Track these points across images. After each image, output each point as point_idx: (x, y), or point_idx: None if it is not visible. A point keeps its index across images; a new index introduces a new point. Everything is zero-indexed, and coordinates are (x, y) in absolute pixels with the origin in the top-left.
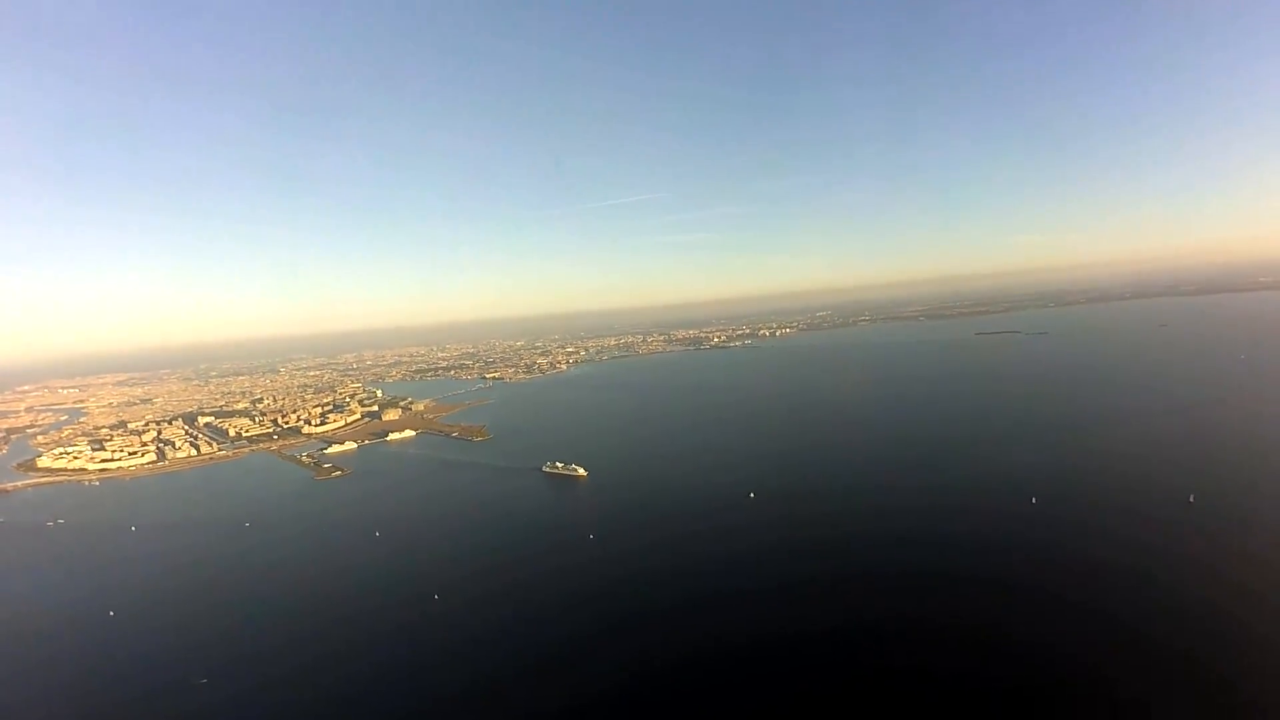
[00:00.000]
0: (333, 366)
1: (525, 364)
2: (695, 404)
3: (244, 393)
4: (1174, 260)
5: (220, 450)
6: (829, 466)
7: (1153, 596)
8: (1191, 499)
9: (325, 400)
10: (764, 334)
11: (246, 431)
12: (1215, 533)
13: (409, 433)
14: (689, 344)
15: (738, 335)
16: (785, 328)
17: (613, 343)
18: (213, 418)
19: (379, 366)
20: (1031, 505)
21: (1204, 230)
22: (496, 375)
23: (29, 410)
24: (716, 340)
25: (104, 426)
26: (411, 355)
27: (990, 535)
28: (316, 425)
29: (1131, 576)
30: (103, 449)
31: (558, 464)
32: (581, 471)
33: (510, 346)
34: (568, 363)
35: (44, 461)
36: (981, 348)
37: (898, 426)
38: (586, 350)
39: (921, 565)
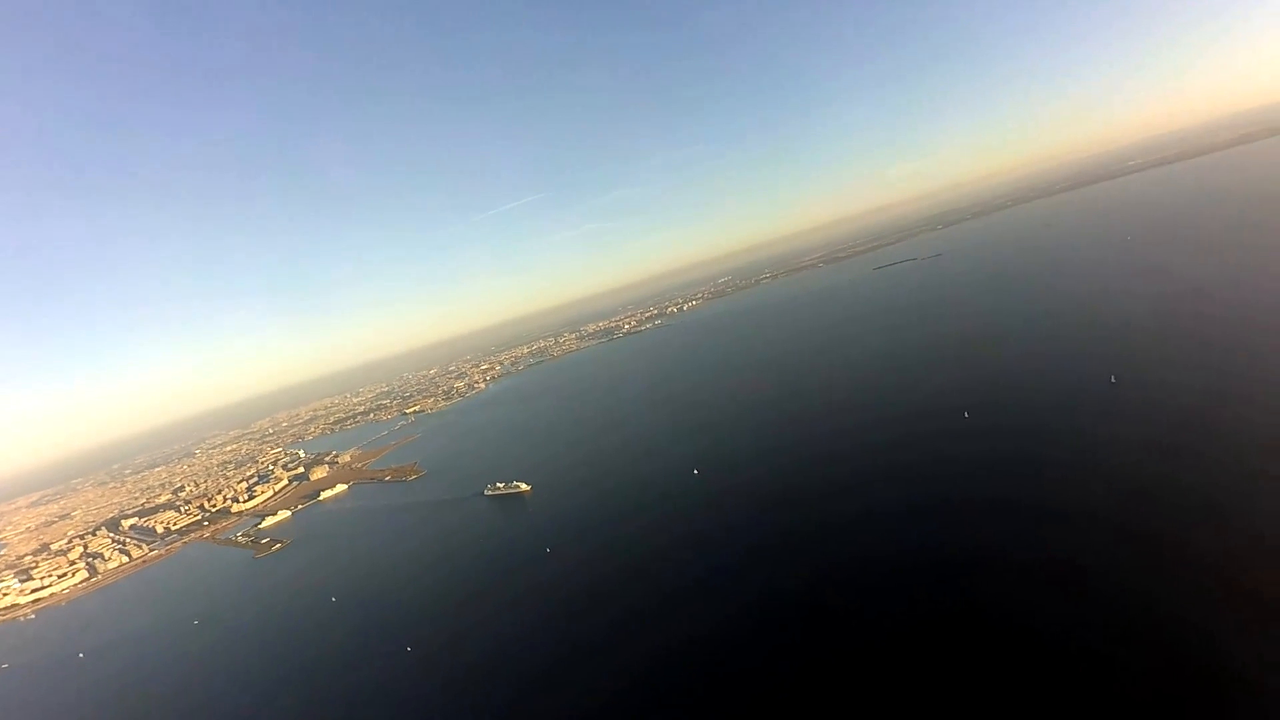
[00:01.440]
0: (249, 436)
1: (443, 391)
2: (621, 395)
3: (164, 484)
4: (1047, 162)
5: (152, 551)
6: (762, 426)
7: (1091, 475)
8: (1113, 379)
9: (249, 473)
10: (672, 310)
11: (175, 525)
12: (1139, 403)
13: (341, 487)
14: (602, 336)
15: (647, 318)
16: (691, 300)
17: (526, 351)
18: (137, 518)
19: (296, 426)
20: (965, 419)
21: (1068, 129)
22: (417, 408)
23: None
24: (628, 327)
25: (26, 554)
26: (327, 407)
27: (932, 454)
28: (245, 501)
29: (1067, 467)
30: (30, 578)
31: (499, 485)
32: (525, 487)
33: (424, 376)
34: (485, 380)
35: None
36: (882, 281)
37: (819, 374)
38: (502, 364)
39: (877, 501)
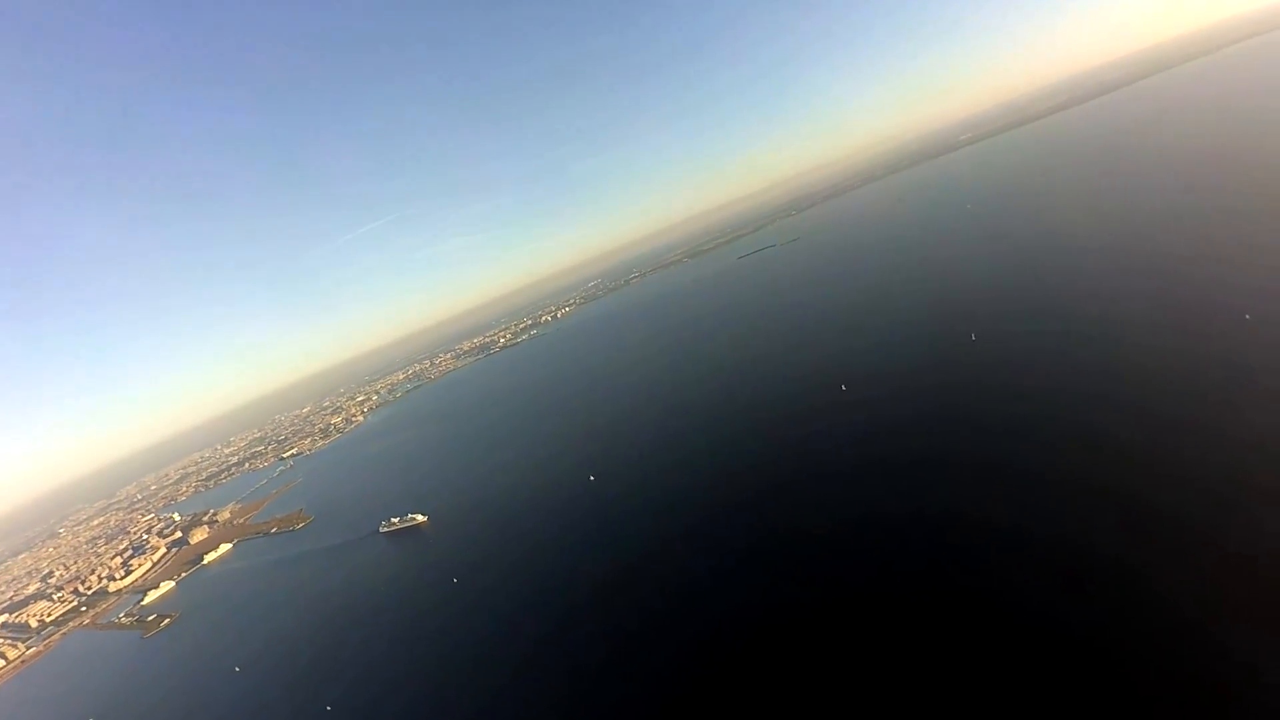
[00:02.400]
0: (116, 506)
1: (320, 429)
2: (505, 410)
3: (30, 572)
4: (890, 142)
5: (30, 648)
6: (650, 423)
7: (960, 425)
8: (973, 337)
9: (122, 547)
10: (546, 319)
11: (50, 615)
12: (998, 356)
13: (225, 547)
14: (479, 352)
15: (523, 329)
16: (564, 307)
17: (403, 376)
18: (6, 614)
19: (166, 488)
20: (842, 392)
21: (905, 109)
22: (294, 451)
23: None
24: (504, 340)
25: None
26: (196, 463)
27: (818, 428)
28: (123, 578)
29: (938, 419)
30: None
31: (394, 520)
32: (421, 518)
33: (298, 416)
34: (364, 412)
35: None
36: (746, 269)
37: (699, 365)
38: (379, 393)
39: (776, 482)
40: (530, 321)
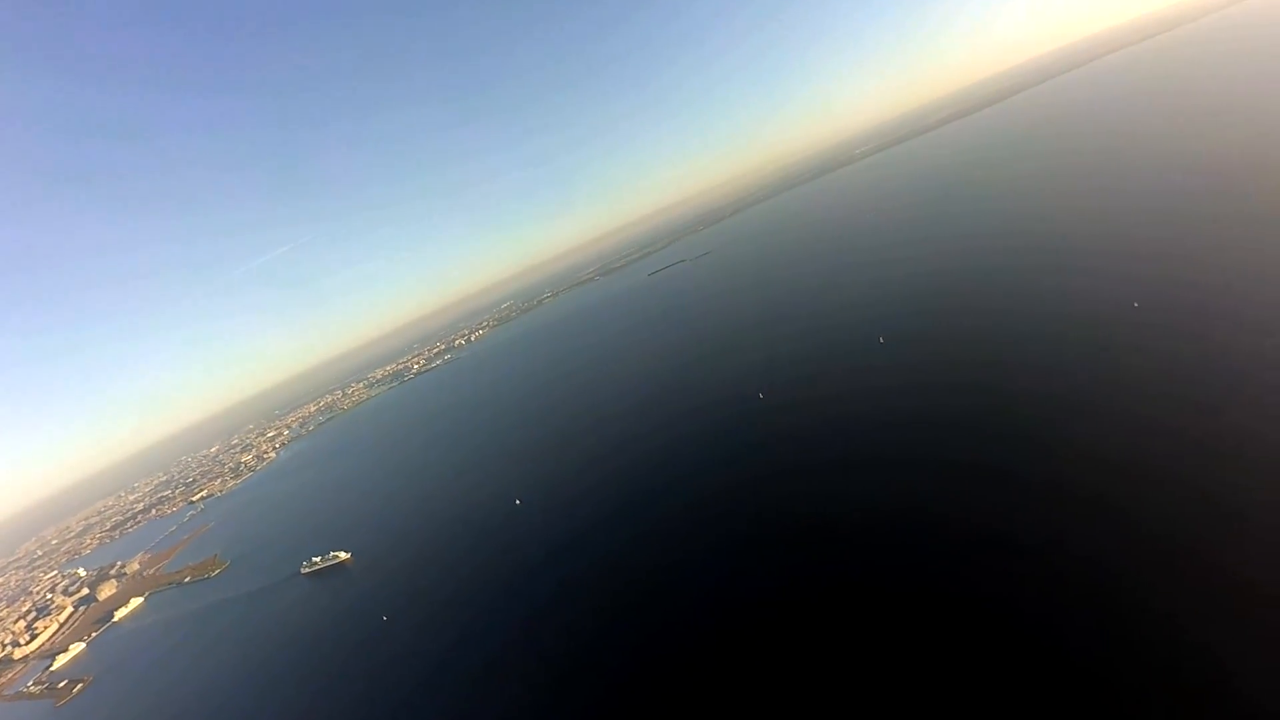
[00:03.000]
0: (15, 565)
1: (230, 469)
2: (425, 437)
3: None
4: (794, 156)
5: None
6: (574, 440)
7: (871, 426)
8: (881, 339)
9: (24, 609)
10: (460, 343)
11: None
12: (903, 358)
13: (137, 602)
14: (393, 380)
15: (436, 353)
16: (478, 330)
17: (314, 408)
18: None
19: (68, 541)
20: (760, 400)
21: (807, 125)
22: (204, 494)
23: None
24: (419, 366)
25: None
26: (100, 512)
27: (728, 430)
28: (28, 643)
29: (855, 419)
30: None
31: (315, 559)
32: (344, 555)
33: (206, 456)
34: (275, 449)
35: None
36: (658, 284)
37: (618, 381)
38: (290, 427)
39: (703, 490)
40: (444, 345)
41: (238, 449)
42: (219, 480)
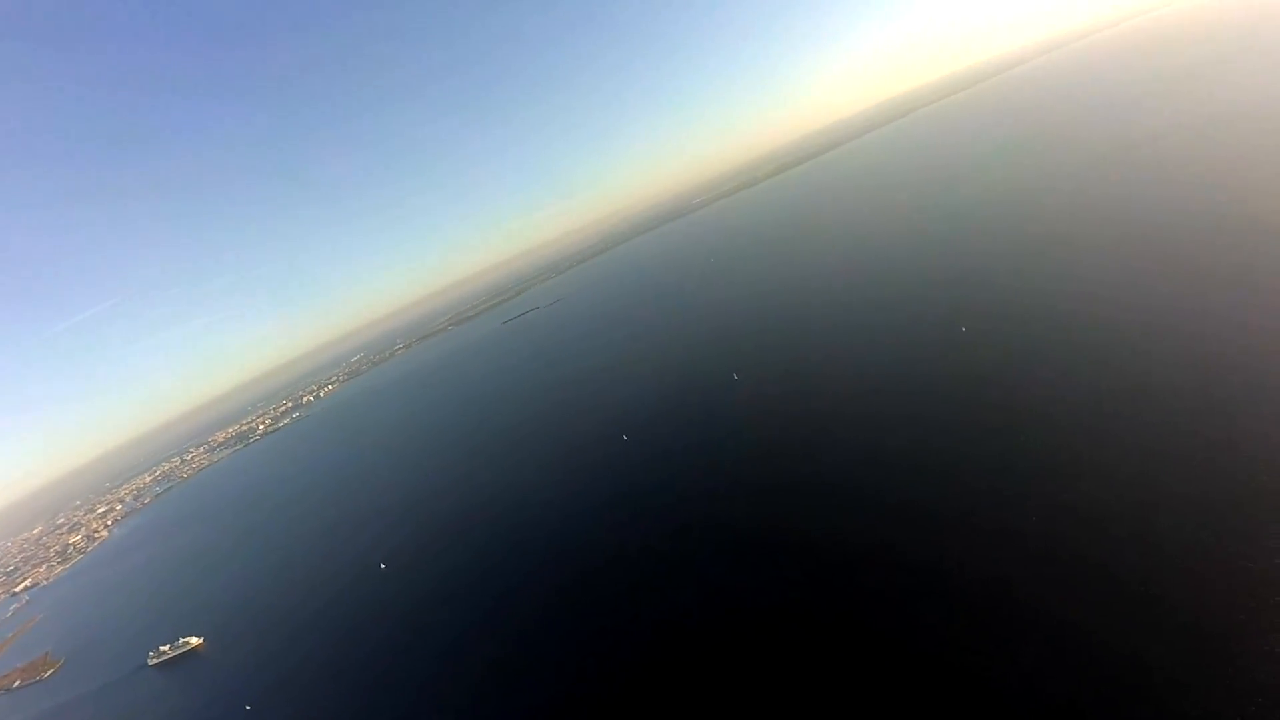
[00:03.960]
0: None
1: (57, 552)
2: (276, 502)
3: None
4: (634, 208)
5: None
6: (435, 495)
7: (735, 454)
8: (735, 376)
9: None
10: (308, 399)
11: None
12: (757, 390)
13: None
14: (236, 442)
15: (283, 411)
16: (326, 385)
17: (150, 478)
18: None
19: None
20: (624, 441)
21: (646, 177)
22: (27, 583)
23: None
24: (264, 426)
25: None
26: None
27: (603, 479)
28: None
29: (719, 449)
30: None
31: (164, 648)
32: (196, 641)
33: (28, 539)
34: (107, 526)
35: None
36: (513, 332)
37: (478, 434)
38: (123, 501)
39: (571, 538)
40: (291, 402)
41: (64, 529)
42: (44, 566)
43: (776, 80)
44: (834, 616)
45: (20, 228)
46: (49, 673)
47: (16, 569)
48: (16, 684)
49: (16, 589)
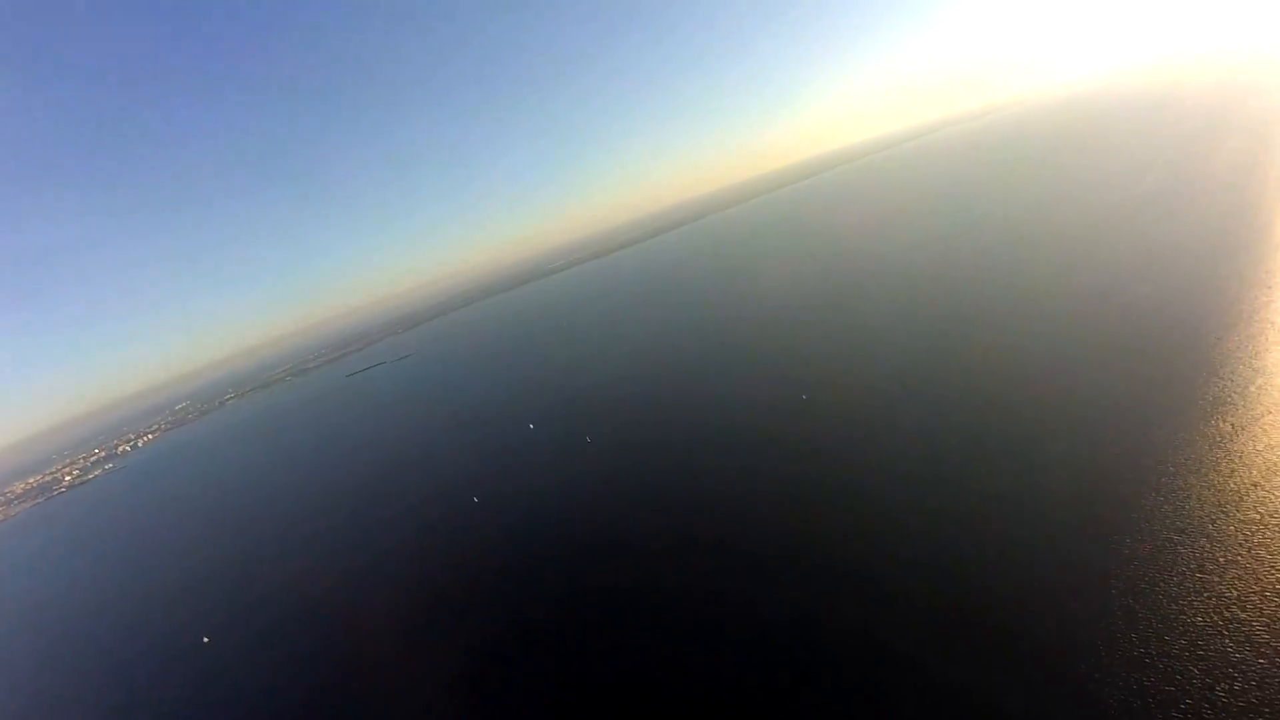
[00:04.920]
0: None
1: None
2: (80, 565)
3: None
4: (493, 264)
5: None
6: (264, 566)
7: (583, 522)
8: (588, 439)
9: None
10: (124, 449)
11: None
12: (610, 452)
13: None
14: (38, 494)
15: (94, 461)
16: (146, 434)
17: None
18: None
19: None
20: (475, 503)
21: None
22: None
23: None
24: (70, 478)
25: None
26: None
27: (454, 541)
28: None
29: (563, 521)
30: None
31: None
32: None
33: None
34: None
35: None
36: (358, 386)
37: (321, 491)
38: None
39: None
40: (103, 451)
41: None
42: None
43: (746, 119)
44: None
45: None
46: None
47: None
48: None
49: None
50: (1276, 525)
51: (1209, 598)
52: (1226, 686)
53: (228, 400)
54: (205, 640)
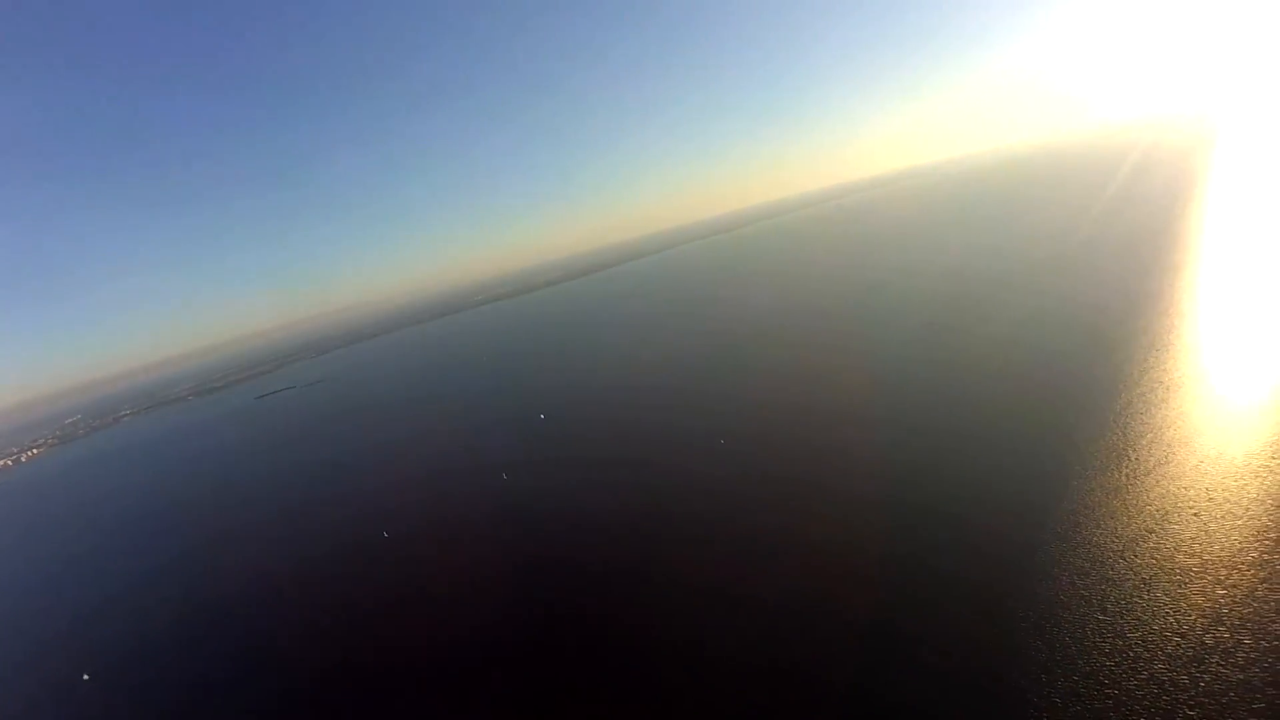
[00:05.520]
0: None
1: None
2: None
3: None
4: (419, 293)
5: None
6: (151, 600)
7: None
8: (505, 476)
9: None
10: (5, 464)
11: None
12: (528, 486)
13: None
14: None
15: None
16: (31, 449)
17: None
18: None
19: None
20: (385, 538)
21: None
22: None
23: None
24: None
25: None
26: None
27: (360, 576)
28: None
29: (492, 543)
30: None
31: None
32: None
33: None
34: None
35: None
36: (268, 409)
37: (225, 524)
38: None
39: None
40: None
41: None
42: None
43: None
44: None
45: None
46: None
47: None
48: None
49: None
50: (1170, 568)
51: (1111, 637)
52: None
53: (123, 416)
54: (85, 677)
